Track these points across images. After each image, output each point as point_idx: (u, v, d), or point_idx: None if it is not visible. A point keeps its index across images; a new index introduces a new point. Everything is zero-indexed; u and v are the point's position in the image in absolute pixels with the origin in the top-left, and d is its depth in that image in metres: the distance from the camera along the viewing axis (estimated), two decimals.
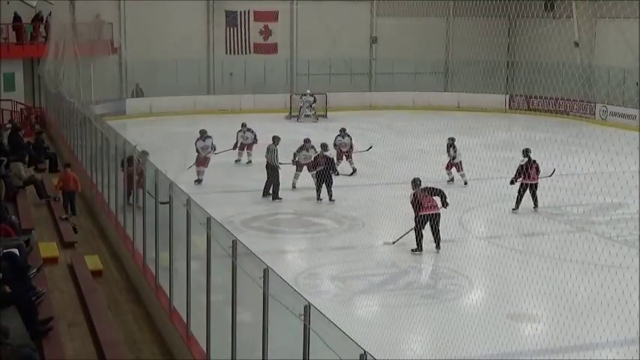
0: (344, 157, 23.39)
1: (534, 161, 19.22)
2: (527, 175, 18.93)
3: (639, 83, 34.10)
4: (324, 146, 20.91)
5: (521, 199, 19.03)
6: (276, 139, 20.87)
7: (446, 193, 16.06)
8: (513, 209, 19.06)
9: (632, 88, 34.92)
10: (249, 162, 24.59)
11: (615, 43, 35.77)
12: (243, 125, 25.10)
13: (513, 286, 13.12)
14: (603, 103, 35.45)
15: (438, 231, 15.63)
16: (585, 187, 17.32)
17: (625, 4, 30.73)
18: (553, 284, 13.16)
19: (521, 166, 19.10)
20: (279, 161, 20.49)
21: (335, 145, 23.17)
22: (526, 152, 19.41)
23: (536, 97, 38.02)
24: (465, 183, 21.71)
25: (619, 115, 34.42)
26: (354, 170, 23.13)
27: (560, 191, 19.69)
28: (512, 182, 19.30)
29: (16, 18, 34.36)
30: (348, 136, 23.79)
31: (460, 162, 21.89)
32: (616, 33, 35.54)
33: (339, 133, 23.98)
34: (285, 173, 20.74)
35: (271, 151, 20.51)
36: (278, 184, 20.27)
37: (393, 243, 15.75)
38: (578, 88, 33.90)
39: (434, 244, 15.78)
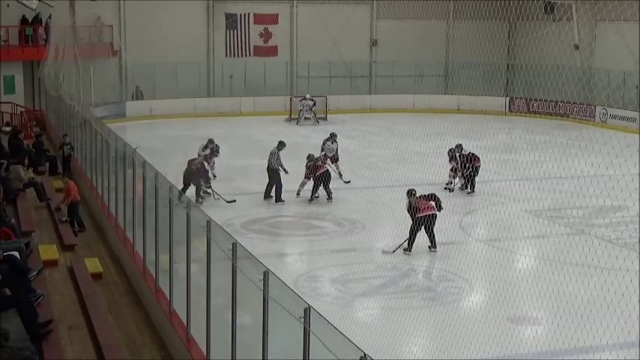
0: (329, 162, 22.94)
1: (470, 153, 21.23)
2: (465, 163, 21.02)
3: (639, 86, 34.11)
4: (311, 156, 20.83)
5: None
6: (281, 145, 20.91)
7: (440, 198, 16.21)
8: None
9: (632, 90, 34.92)
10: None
11: (615, 46, 35.78)
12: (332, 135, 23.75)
13: (513, 288, 13.12)
14: (603, 106, 35.44)
15: (433, 231, 15.79)
16: (585, 189, 17.34)
17: (625, 6, 30.74)
18: (553, 287, 13.17)
19: (464, 156, 21.05)
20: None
21: (322, 149, 22.85)
22: (461, 147, 21.47)
23: (536, 100, 38.03)
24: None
25: (619, 118, 34.44)
26: (340, 175, 22.66)
27: (560, 194, 19.72)
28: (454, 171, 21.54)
29: (24, 21, 34.50)
30: (337, 142, 23.38)
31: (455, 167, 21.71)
32: (616, 36, 35.57)
33: (328, 137, 23.51)
34: (289, 175, 20.68)
35: (273, 154, 20.55)
36: (280, 187, 20.27)
37: (393, 252, 15.75)
38: (578, 91, 33.90)
39: (429, 245, 15.86)
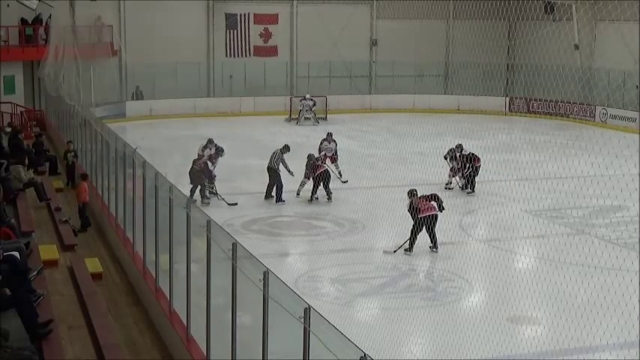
0: (328, 162, 22.86)
1: (470, 153, 21.34)
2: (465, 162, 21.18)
3: (639, 86, 34.12)
4: (311, 156, 20.91)
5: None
6: (285, 148, 20.95)
7: (442, 198, 16.20)
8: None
9: (632, 90, 34.93)
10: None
11: (615, 46, 35.80)
12: (329, 135, 24.06)
13: (513, 288, 13.12)
14: (603, 106, 35.47)
15: (434, 232, 15.76)
16: (585, 189, 17.32)
17: (625, 7, 30.75)
18: (553, 287, 13.17)
19: (464, 156, 21.23)
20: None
21: (320, 150, 22.95)
22: (461, 147, 21.68)
23: (536, 100, 38.04)
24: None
25: (619, 118, 34.45)
26: (340, 174, 22.66)
27: (560, 194, 19.73)
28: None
29: (23, 22, 34.54)
30: (334, 141, 23.59)
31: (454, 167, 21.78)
32: (616, 36, 35.58)
33: (325, 137, 23.76)
34: (290, 176, 20.69)
35: (274, 154, 20.60)
36: (281, 187, 20.29)
37: (394, 252, 15.77)
38: (578, 91, 33.92)
39: (430, 245, 15.87)
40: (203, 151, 22.25)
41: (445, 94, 41.62)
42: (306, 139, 28.12)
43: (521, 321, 12.47)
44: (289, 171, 20.60)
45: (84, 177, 18.58)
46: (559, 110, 37.51)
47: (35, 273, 11.82)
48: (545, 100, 37.41)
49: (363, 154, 27.07)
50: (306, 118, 36.14)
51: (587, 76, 34.63)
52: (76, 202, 18.29)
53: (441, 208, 15.99)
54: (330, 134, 23.90)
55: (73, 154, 22.25)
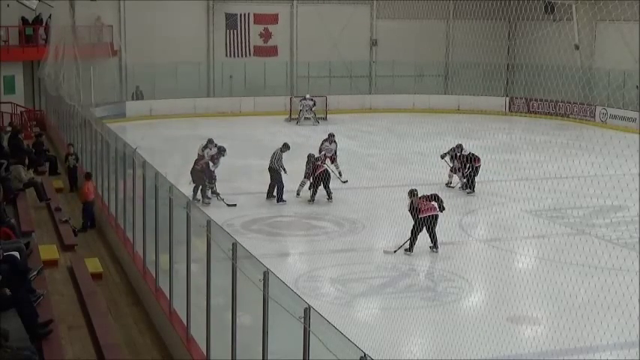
0: (328, 162, 22.75)
1: (470, 153, 21.23)
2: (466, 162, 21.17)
3: (639, 86, 34.11)
4: (311, 156, 20.94)
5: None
6: (285, 147, 20.97)
7: (442, 198, 16.19)
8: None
9: (632, 90, 34.92)
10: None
11: (615, 46, 35.80)
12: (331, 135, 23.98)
13: (513, 288, 13.12)
14: (603, 106, 35.46)
15: (435, 232, 15.75)
16: (585, 189, 17.32)
17: (625, 7, 30.74)
18: (553, 287, 13.16)
19: (464, 156, 21.22)
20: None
21: (320, 150, 22.89)
22: (461, 147, 21.60)
23: (536, 100, 38.04)
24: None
25: (619, 118, 34.44)
26: (340, 174, 22.58)
27: (560, 194, 19.73)
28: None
29: (24, 21, 34.53)
30: (335, 142, 23.55)
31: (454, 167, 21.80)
32: (616, 36, 35.58)
33: (326, 137, 23.71)
34: (291, 176, 20.69)
35: (274, 154, 20.60)
36: (282, 187, 20.30)
37: (394, 252, 15.76)
38: (579, 91, 33.90)
39: (430, 245, 15.87)
40: (203, 151, 22.19)
41: (445, 94, 41.62)
42: (306, 139, 28.14)
43: (521, 321, 12.47)
44: (283, 169, 20.58)
45: (87, 176, 18.62)
46: (559, 110, 37.50)
47: (35, 273, 11.83)
48: (546, 100, 37.41)
49: (363, 154, 27.08)
50: (306, 118, 36.13)
51: (587, 76, 34.60)
52: (78, 202, 18.34)
53: (441, 208, 15.99)
54: (331, 135, 23.85)
55: (74, 157, 22.02)
